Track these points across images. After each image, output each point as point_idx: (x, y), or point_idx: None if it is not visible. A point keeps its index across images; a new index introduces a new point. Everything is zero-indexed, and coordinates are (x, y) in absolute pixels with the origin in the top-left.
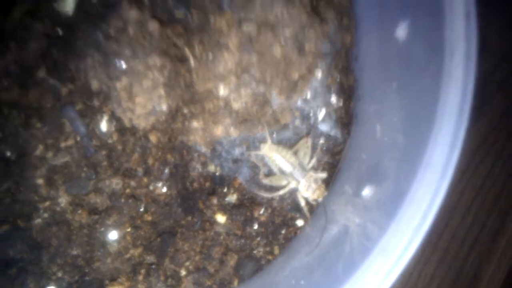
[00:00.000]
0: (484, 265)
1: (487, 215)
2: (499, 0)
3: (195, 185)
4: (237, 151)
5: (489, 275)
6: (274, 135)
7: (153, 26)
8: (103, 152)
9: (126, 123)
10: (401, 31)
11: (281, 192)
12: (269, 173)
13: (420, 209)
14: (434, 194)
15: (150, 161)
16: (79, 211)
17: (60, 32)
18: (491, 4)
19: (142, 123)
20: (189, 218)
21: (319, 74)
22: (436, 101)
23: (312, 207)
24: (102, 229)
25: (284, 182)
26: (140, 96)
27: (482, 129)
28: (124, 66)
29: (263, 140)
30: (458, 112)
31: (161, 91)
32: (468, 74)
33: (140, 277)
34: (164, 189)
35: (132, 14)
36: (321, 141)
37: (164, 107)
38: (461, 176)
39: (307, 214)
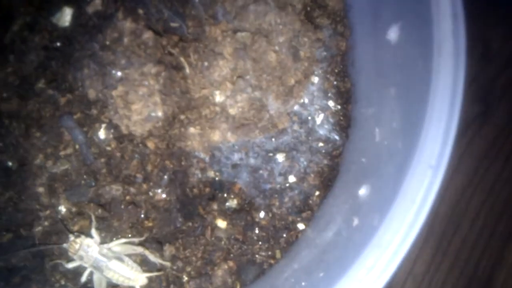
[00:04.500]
0: (496, 270)
1: (497, 220)
2: (502, 8)
3: (195, 190)
4: (236, 157)
5: (502, 280)
6: (273, 140)
7: (147, 36)
8: (102, 160)
9: (123, 130)
10: (393, 35)
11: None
12: None
13: (413, 206)
14: (426, 191)
15: (149, 167)
16: (79, 219)
17: (58, 44)
18: (494, 11)
19: (139, 130)
20: (190, 223)
21: (315, 79)
22: (426, 101)
23: (313, 210)
24: (103, 235)
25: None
26: (136, 103)
27: (488, 134)
28: (119, 75)
29: (260, 145)
30: (448, 109)
31: (157, 98)
32: (457, 72)
33: None
34: (164, 195)
35: (127, 25)
36: (320, 144)
37: (160, 113)
38: (469, 181)
39: None
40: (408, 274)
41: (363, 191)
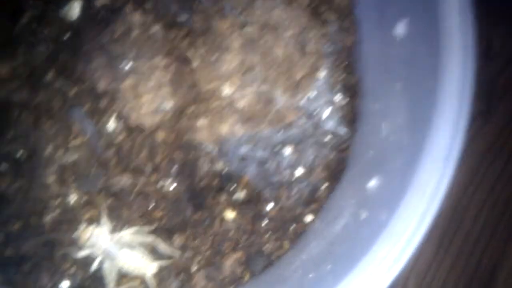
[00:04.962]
0: (498, 268)
1: (499, 219)
2: (503, 7)
3: (204, 182)
4: (244, 149)
5: (504, 279)
6: (280, 133)
7: (156, 29)
8: (112, 150)
9: (133, 122)
10: (400, 30)
11: None
12: None
13: (426, 194)
14: (439, 179)
15: (158, 158)
16: (89, 208)
17: (67, 36)
18: (495, 10)
19: (148, 122)
20: (198, 214)
21: (322, 73)
22: (434, 95)
23: (321, 203)
24: (113, 224)
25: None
26: (145, 95)
27: (489, 133)
28: (128, 67)
29: (268, 138)
30: (458, 103)
31: (166, 90)
32: (466, 65)
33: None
34: (173, 186)
35: (136, 17)
36: (327, 138)
37: (169, 105)
38: (471, 179)
39: None
40: (410, 271)
41: (371, 184)
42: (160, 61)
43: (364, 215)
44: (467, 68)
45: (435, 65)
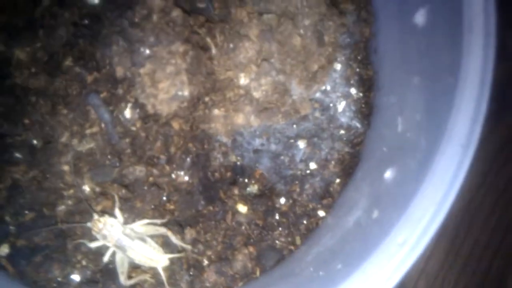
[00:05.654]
0: (509, 270)
1: (510, 220)
2: None
3: (217, 174)
4: (257, 142)
5: None
6: (294, 126)
7: (176, 14)
8: (127, 140)
9: (149, 109)
10: (421, 18)
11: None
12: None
13: (444, 182)
14: (457, 168)
15: (173, 149)
16: (103, 199)
17: (87, 20)
18: (509, 10)
19: (165, 109)
20: (211, 207)
21: (338, 65)
22: (454, 90)
23: (333, 198)
24: (126, 215)
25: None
26: (163, 81)
27: (502, 133)
28: (148, 52)
29: (281, 131)
30: (477, 100)
31: (184, 77)
32: (487, 59)
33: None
34: (186, 178)
35: (156, 2)
36: (341, 131)
37: (186, 93)
38: (483, 180)
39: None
40: (421, 272)
41: (386, 176)
42: (179, 46)
43: (376, 213)
44: (488, 62)
45: (455, 57)
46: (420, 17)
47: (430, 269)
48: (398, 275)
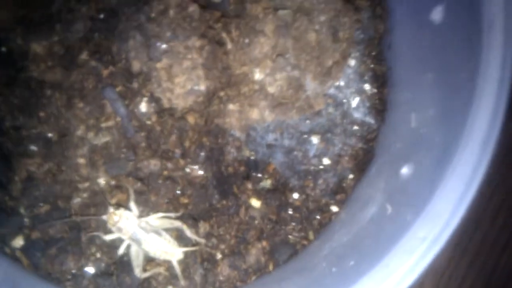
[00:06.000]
0: None
1: None
2: None
3: (230, 169)
4: (271, 137)
5: None
6: (308, 121)
7: (193, 9)
8: (142, 133)
9: (165, 103)
10: (438, 15)
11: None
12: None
13: (464, 178)
14: (477, 163)
15: (187, 143)
16: (117, 192)
17: (103, 15)
18: None
19: (181, 103)
20: (224, 202)
21: (352, 61)
22: (473, 86)
23: (347, 193)
24: (140, 209)
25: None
26: (180, 76)
27: (510, 133)
28: (164, 47)
29: (295, 126)
30: (496, 98)
31: (200, 72)
32: (507, 55)
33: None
34: (200, 172)
35: None
36: (355, 127)
37: (202, 87)
38: (490, 180)
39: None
40: (428, 269)
41: (401, 175)
42: (195, 42)
43: (390, 209)
44: (508, 57)
45: (474, 53)
46: (437, 14)
47: (437, 266)
48: (419, 269)
